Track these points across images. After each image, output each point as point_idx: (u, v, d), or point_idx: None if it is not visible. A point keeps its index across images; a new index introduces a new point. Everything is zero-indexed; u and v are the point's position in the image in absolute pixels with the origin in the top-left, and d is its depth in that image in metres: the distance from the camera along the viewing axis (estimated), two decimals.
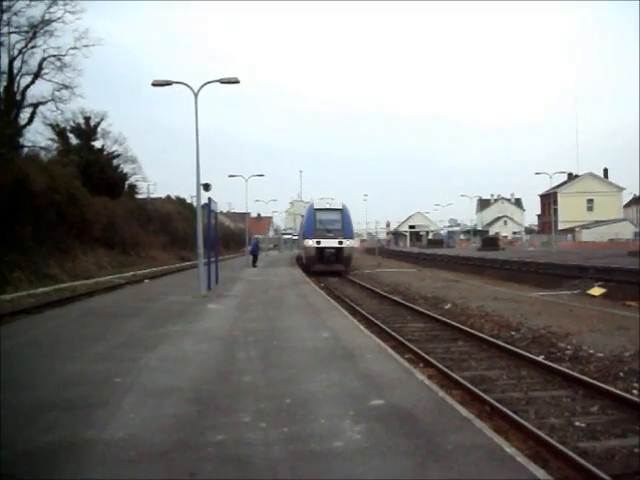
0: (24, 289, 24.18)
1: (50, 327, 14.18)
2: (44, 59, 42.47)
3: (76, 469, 5.08)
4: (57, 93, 44.12)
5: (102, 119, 53.94)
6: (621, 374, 9.67)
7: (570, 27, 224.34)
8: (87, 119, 52.84)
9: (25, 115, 43.17)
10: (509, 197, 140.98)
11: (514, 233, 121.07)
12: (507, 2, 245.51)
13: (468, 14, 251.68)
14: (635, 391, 8.76)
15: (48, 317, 16.20)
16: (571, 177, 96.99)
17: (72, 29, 51.39)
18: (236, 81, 21.56)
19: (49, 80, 43.44)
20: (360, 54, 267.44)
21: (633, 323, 13.68)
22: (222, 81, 21.64)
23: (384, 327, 14.95)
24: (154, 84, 21.31)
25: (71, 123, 51.44)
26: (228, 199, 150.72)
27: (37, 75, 42.37)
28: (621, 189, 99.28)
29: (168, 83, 21.31)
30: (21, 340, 12.04)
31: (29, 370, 9.03)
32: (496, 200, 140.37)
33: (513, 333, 13.81)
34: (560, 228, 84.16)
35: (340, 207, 37.72)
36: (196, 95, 21.34)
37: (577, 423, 7.50)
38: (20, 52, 41.10)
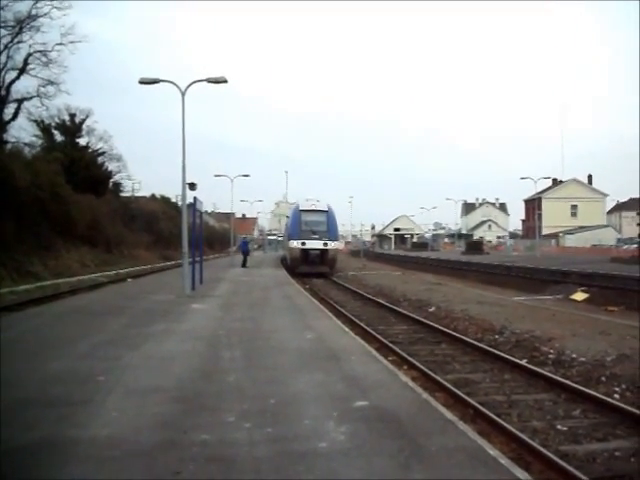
0: (6, 286, 24.00)
1: (32, 325, 14.06)
2: (30, 54, 42.31)
3: (59, 467, 5.05)
4: (42, 89, 43.98)
5: (87, 116, 53.78)
6: (603, 378, 9.76)
7: (556, 33, 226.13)
8: (72, 116, 52.56)
9: (9, 111, 42.98)
10: (494, 201, 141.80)
11: (498, 237, 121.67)
12: (490, 3, 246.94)
13: (456, 20, 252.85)
14: (616, 395, 8.84)
15: (30, 315, 16.06)
16: (556, 183, 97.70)
17: (58, 25, 50.98)
18: (224, 80, 21.51)
19: (34, 76, 43.30)
20: (347, 61, 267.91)
21: (615, 328, 13.81)
22: (209, 80, 21.57)
23: (368, 329, 14.98)
24: (141, 82, 21.20)
25: (56, 120, 51.25)
26: (213, 199, 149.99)
27: (22, 70, 42.13)
28: (605, 195, 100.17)
29: (155, 81, 21.21)
30: (3, 338, 11.89)
31: (11, 368, 8.93)
32: (481, 204, 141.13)
33: (497, 337, 13.89)
34: (544, 233, 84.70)
35: (325, 209, 37.77)
36: (183, 94, 21.25)
37: (559, 426, 7.57)
38: (6, 47, 40.92)
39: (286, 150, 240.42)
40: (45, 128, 50.10)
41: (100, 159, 56.31)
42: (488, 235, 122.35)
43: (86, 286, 26.37)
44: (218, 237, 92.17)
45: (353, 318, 16.99)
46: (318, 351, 10.42)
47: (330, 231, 36.70)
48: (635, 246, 55.53)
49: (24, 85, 67.20)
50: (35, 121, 48.53)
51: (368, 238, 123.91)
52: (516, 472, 5.08)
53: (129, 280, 30.96)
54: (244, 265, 41.17)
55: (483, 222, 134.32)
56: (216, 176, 54.25)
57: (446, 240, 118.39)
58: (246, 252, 43.69)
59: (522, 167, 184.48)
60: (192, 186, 23.21)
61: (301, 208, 38.00)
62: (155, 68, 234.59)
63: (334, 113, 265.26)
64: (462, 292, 24.70)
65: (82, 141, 54.12)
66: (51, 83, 43.72)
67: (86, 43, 63.17)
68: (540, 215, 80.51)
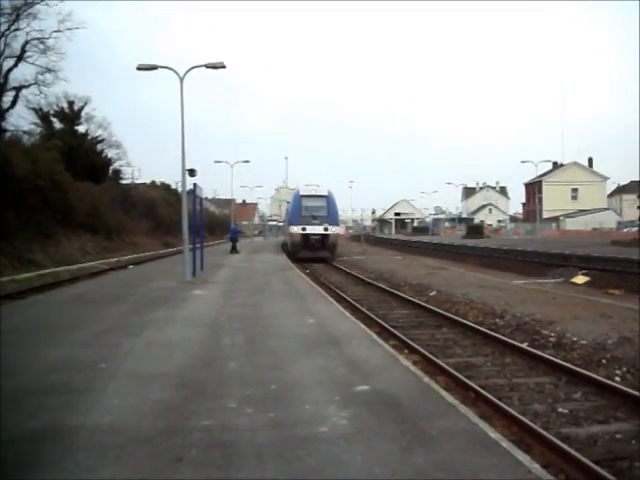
0: (7, 274, 23.99)
1: (34, 313, 14.09)
2: (27, 42, 42.02)
3: (62, 454, 5.07)
4: (40, 76, 43.73)
5: (86, 103, 53.51)
6: (604, 361, 9.77)
7: (557, 19, 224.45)
8: (71, 103, 52.30)
9: (8, 99, 42.75)
10: (494, 185, 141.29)
11: (499, 221, 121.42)
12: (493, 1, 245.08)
13: (457, 10, 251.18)
14: (617, 378, 8.86)
15: (32, 303, 16.09)
16: (556, 166, 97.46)
17: (56, 12, 50.87)
18: (222, 66, 21.41)
19: (32, 63, 43.03)
20: (347, 50, 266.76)
21: (616, 311, 13.82)
22: (208, 66, 21.48)
23: (369, 314, 14.98)
24: (139, 68, 21.13)
25: (54, 107, 51.00)
26: (213, 185, 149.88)
27: (20, 58, 41.89)
28: (605, 178, 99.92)
29: (153, 67, 21.13)
30: (4, 326, 11.90)
31: (13, 356, 8.96)
32: (481, 188, 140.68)
33: (497, 320, 13.90)
34: (545, 217, 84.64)
35: (326, 194, 37.71)
36: (182, 80, 21.17)
37: (560, 409, 7.58)
38: (3, 34, 40.63)
39: (286, 136, 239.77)
40: (44, 116, 49.87)
41: (99, 146, 56.14)
42: (489, 219, 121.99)
43: (87, 274, 26.39)
44: (219, 223, 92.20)
45: (354, 303, 16.99)
46: (319, 336, 10.43)
47: (330, 216, 36.67)
48: (636, 229, 55.50)
49: (22, 73, 66.43)
50: (33, 109, 48.36)
51: (369, 223, 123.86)
52: (517, 455, 5.10)
53: (130, 267, 30.98)
54: (234, 251, 41.25)
55: (484, 206, 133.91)
56: (216, 162, 54.25)
57: (447, 224, 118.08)
58: (234, 239, 43.88)
59: (522, 150, 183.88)
60: (192, 172, 23.04)
61: (301, 193, 37.94)
62: (153, 56, 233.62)
63: (334, 100, 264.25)
64: (463, 276, 24.70)
65: (81, 128, 53.97)
66: (49, 70, 43.50)
67: (84, 30, 62.69)
68: (540, 199, 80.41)
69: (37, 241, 32.01)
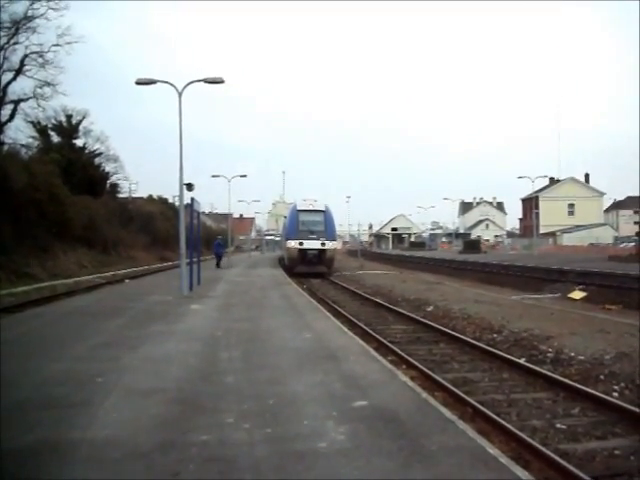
0: (4, 288, 23.95)
1: (31, 326, 14.03)
2: (26, 56, 42.17)
3: (60, 468, 5.04)
4: (39, 90, 43.87)
5: (84, 117, 53.73)
6: (601, 377, 9.76)
7: (553, 32, 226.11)
8: (69, 117, 52.48)
9: (6, 112, 42.88)
10: (491, 200, 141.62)
11: (496, 236, 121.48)
12: (488, 4, 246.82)
13: (453, 22, 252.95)
14: (615, 393, 8.85)
15: (29, 316, 16.04)
16: (553, 181, 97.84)
17: (55, 26, 51.01)
18: (221, 81, 21.51)
19: (31, 77, 43.19)
20: (343, 63, 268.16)
21: (613, 326, 13.81)
22: (207, 80, 21.57)
23: (366, 329, 14.97)
24: (138, 82, 21.18)
25: (52, 121, 51.19)
26: (211, 200, 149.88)
27: (19, 72, 42.03)
28: (602, 194, 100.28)
29: (152, 82, 21.19)
30: (2, 339, 11.87)
31: (11, 369, 8.91)
32: (478, 203, 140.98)
33: (495, 336, 13.89)
34: (541, 232, 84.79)
35: (323, 209, 37.77)
36: (180, 94, 21.23)
37: (558, 425, 7.57)
38: (2, 48, 40.81)
39: (283, 150, 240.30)
40: (42, 129, 49.99)
41: (97, 160, 56.27)
42: (486, 234, 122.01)
43: (84, 287, 26.34)
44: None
45: (351, 318, 16.98)
46: (317, 351, 10.40)
47: (328, 231, 36.70)
48: (632, 244, 55.67)
49: (20, 86, 66.62)
50: (32, 122, 48.52)
51: (366, 238, 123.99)
52: (516, 471, 5.08)
53: (127, 281, 30.93)
54: (217, 266, 39.79)
55: (480, 221, 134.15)
56: (213, 177, 54.22)
57: (444, 239, 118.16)
58: (219, 254, 41.58)
59: (519, 166, 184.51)
60: (189, 187, 23.16)
61: (299, 208, 37.99)
62: (150, 69, 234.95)
63: (332, 115, 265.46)
64: (460, 291, 24.70)
65: (79, 142, 54.15)
66: (47, 84, 43.63)
67: (82, 44, 62.71)
68: (537, 214, 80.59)
69: (34, 254, 31.97)
